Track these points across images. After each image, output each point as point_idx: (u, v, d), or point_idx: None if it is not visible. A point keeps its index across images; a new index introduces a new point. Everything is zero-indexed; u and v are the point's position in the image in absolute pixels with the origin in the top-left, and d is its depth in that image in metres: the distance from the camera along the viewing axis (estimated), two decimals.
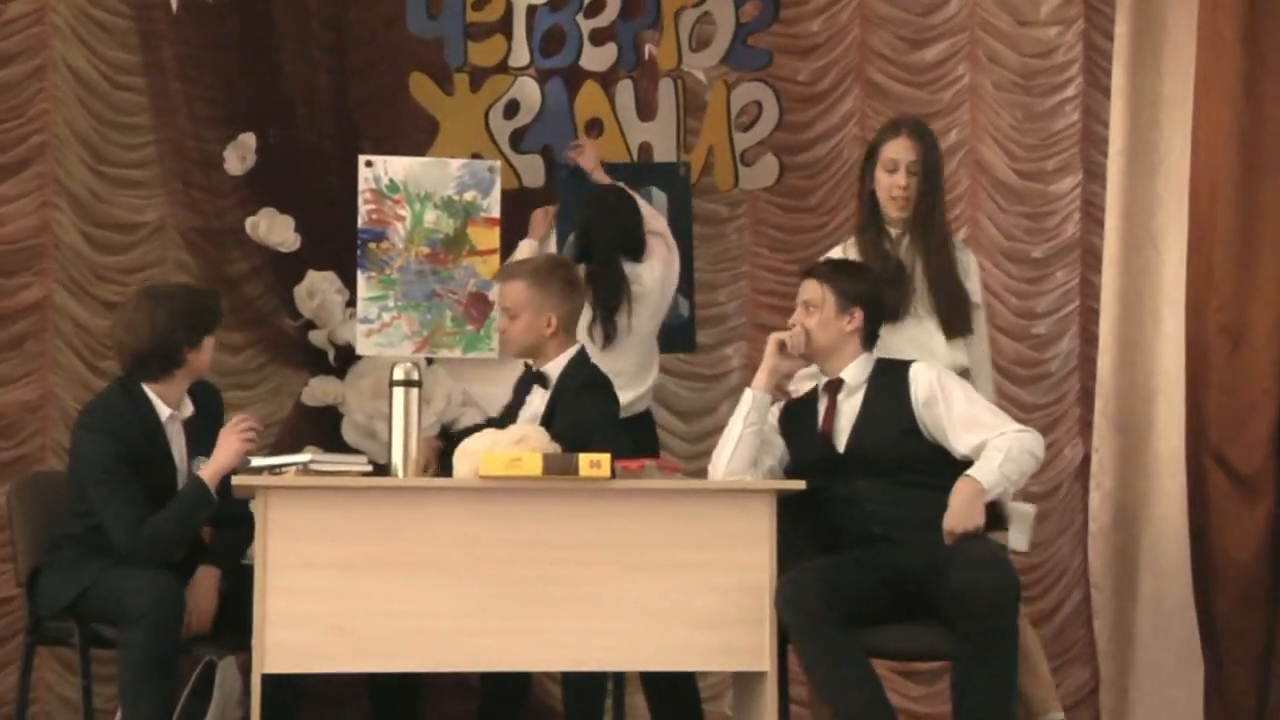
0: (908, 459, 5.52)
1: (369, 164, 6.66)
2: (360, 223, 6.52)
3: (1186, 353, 6.89)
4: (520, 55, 7.18)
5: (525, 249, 6.83)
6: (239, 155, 7.23)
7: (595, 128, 7.22)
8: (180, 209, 7.38)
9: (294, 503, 5.25)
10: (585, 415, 5.83)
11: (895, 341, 5.81)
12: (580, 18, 7.16)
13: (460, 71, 7.17)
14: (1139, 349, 7.12)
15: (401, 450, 5.47)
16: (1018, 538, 5.68)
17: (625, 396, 6.27)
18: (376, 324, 6.34)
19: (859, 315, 5.63)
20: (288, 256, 7.15)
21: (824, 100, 7.78)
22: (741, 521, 5.37)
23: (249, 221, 7.17)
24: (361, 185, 6.56)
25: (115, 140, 7.45)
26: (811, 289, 5.68)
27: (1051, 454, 7.39)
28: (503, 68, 7.19)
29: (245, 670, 5.41)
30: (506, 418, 6.07)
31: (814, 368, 5.78)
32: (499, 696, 6.16)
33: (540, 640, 5.29)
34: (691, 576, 5.32)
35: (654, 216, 6.83)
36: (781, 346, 5.65)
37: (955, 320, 5.91)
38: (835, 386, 5.67)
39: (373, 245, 6.43)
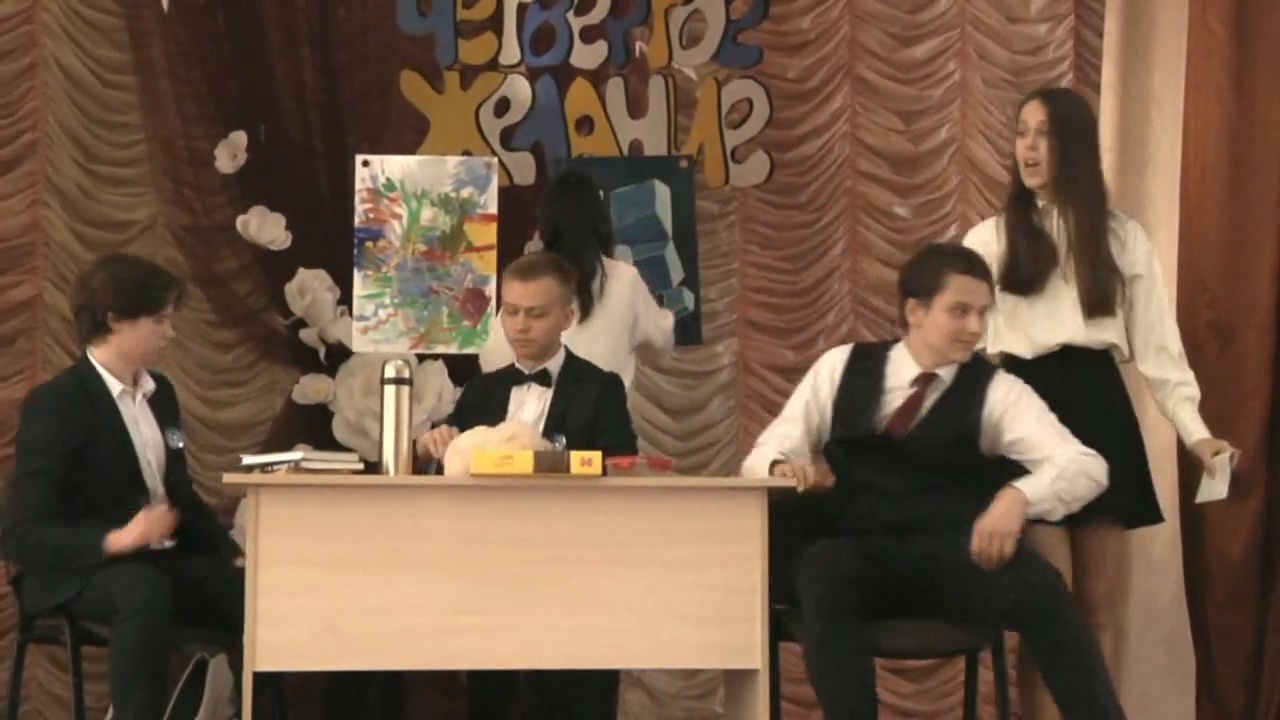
0: (960, 464, 5.39)
1: (365, 163, 6.63)
2: (357, 222, 6.49)
3: None
4: (511, 53, 7.23)
5: None
6: (229, 153, 7.26)
7: (585, 125, 7.27)
8: (171, 207, 7.38)
9: (285, 501, 5.23)
10: (606, 408, 5.86)
11: (1028, 314, 5.64)
12: (571, 15, 7.21)
13: (450, 69, 7.23)
14: None
15: (393, 448, 5.43)
16: (1219, 487, 5.62)
17: None
18: (373, 320, 6.31)
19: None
20: (278, 254, 7.18)
21: (814, 97, 7.78)
22: (733, 519, 5.32)
23: (239, 219, 7.21)
24: (358, 185, 6.52)
25: (106, 138, 7.48)
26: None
27: None
28: (493, 65, 7.25)
29: (236, 668, 5.40)
30: (463, 418, 5.95)
31: None
32: (486, 695, 6.10)
33: (532, 638, 5.25)
34: (683, 574, 5.28)
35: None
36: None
37: (1097, 296, 5.61)
38: (928, 380, 5.47)
39: (369, 244, 6.41)
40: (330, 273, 7.05)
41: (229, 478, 5.29)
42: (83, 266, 7.28)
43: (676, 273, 7.15)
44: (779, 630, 5.44)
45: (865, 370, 5.55)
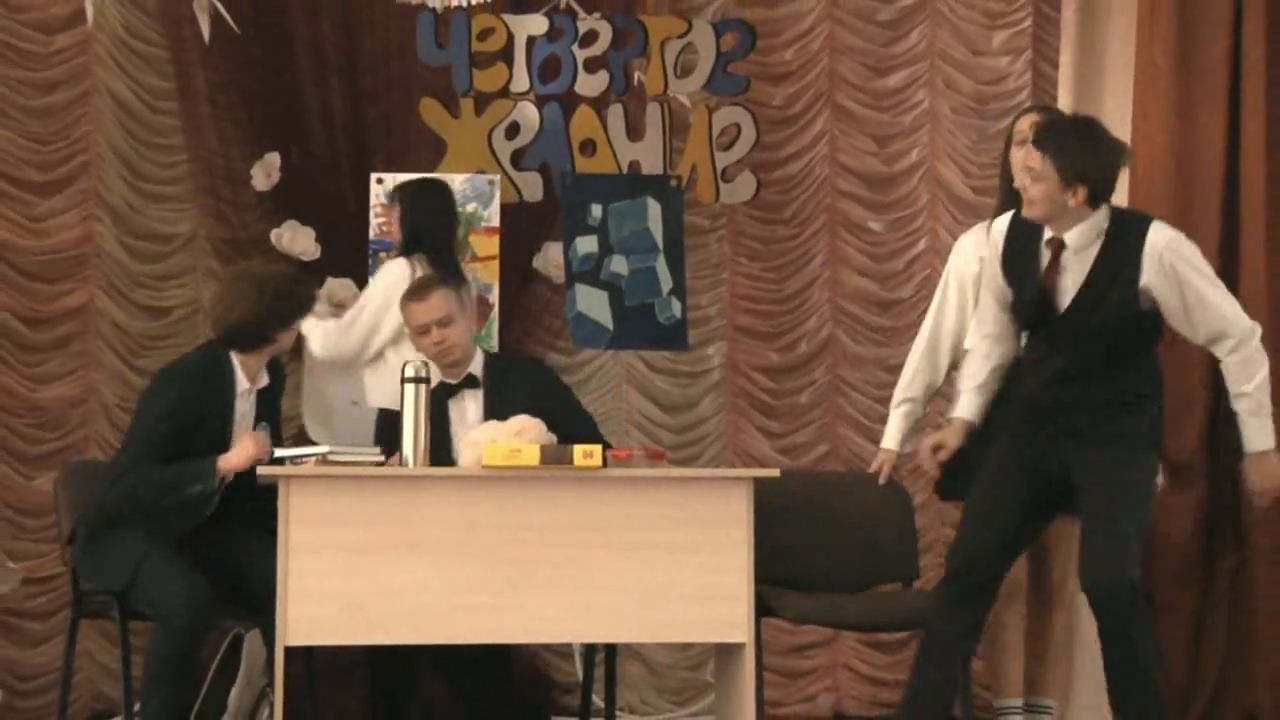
0: (1126, 329, 5.17)
1: (380, 180, 6.74)
2: (372, 234, 6.59)
3: None
4: (521, 81, 7.22)
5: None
6: (264, 172, 7.30)
7: (589, 147, 7.24)
8: (210, 221, 7.40)
9: (313, 491, 5.28)
10: (545, 394, 5.87)
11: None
12: (575, 47, 7.21)
13: (466, 96, 7.19)
14: None
15: (412, 442, 5.45)
16: None
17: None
18: None
19: (1082, 192, 5.13)
20: (309, 264, 7.14)
21: (796, 122, 7.77)
22: (722, 506, 5.39)
23: (273, 233, 7.22)
24: (373, 200, 6.63)
25: (151, 158, 7.50)
26: (1034, 159, 5.16)
27: None
28: (504, 93, 7.22)
29: (269, 642, 5.44)
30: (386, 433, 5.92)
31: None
32: (390, 680, 6.02)
33: (538, 615, 5.31)
34: (676, 556, 5.35)
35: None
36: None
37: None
38: (1058, 245, 5.21)
39: (383, 255, 6.48)
40: (355, 281, 6.96)
41: (263, 470, 5.33)
42: (132, 278, 7.30)
43: (666, 282, 7.10)
44: (764, 607, 5.54)
45: (1024, 237, 5.33)
